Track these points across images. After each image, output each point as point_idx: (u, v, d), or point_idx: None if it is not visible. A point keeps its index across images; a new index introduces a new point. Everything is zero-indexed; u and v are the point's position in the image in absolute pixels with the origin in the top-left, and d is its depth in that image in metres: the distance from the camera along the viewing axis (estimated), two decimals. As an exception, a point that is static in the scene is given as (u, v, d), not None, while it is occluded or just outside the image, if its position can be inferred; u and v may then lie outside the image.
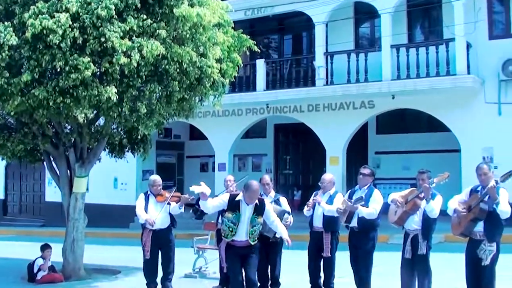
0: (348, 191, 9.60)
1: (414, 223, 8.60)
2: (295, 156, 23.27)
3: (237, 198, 7.93)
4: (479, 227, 7.72)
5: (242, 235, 7.97)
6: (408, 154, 20.73)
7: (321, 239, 9.67)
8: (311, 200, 9.82)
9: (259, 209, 8.08)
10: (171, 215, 10.44)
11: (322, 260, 9.68)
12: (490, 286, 7.69)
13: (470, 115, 17.69)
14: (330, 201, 9.70)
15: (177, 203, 10.31)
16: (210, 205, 8.05)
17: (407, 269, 8.76)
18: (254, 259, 8.05)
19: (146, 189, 10.61)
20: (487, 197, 7.62)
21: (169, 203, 10.32)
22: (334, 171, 19.49)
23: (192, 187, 8.02)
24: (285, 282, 10.14)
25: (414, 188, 8.77)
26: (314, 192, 10.01)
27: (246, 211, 7.97)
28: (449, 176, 8.43)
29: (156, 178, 10.59)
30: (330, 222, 9.63)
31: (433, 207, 8.34)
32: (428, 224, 8.54)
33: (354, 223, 9.12)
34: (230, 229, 7.91)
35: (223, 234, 7.99)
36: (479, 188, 7.86)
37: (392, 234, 16.39)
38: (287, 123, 22.00)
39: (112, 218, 22.26)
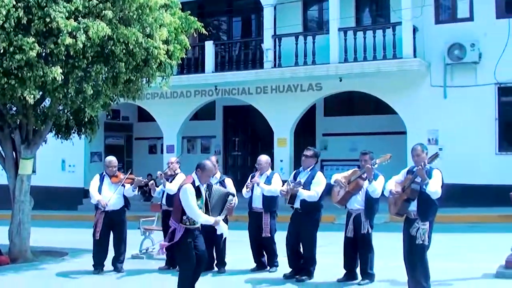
0: (293, 173, 9.78)
1: (356, 202, 8.89)
2: (244, 138, 23.49)
3: (196, 184, 7.91)
4: (413, 206, 7.97)
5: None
6: (355, 136, 20.97)
7: (261, 219, 9.91)
8: (249, 181, 10.01)
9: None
10: (125, 197, 10.53)
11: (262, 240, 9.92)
12: (422, 263, 7.94)
13: (416, 98, 18.05)
14: (268, 181, 9.92)
15: (131, 185, 10.42)
16: (205, 219, 7.89)
17: (349, 248, 9.07)
18: (201, 236, 8.17)
19: (95, 171, 10.69)
20: (418, 178, 7.90)
21: (123, 185, 10.40)
22: (282, 152, 19.92)
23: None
24: (230, 260, 10.33)
25: (357, 169, 9.04)
26: (251, 174, 10.20)
27: (203, 192, 8.01)
28: (391, 157, 8.72)
29: (112, 159, 10.66)
30: (269, 203, 9.88)
31: (376, 187, 8.65)
32: (370, 204, 8.85)
33: (297, 204, 9.29)
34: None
35: (188, 223, 7.84)
36: (415, 169, 8.11)
37: (339, 215, 16.71)
38: (235, 105, 22.07)
39: (60, 200, 22.13)
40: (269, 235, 9.89)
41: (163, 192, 10.65)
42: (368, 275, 8.93)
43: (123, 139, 24.93)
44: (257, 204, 9.97)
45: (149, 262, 11.36)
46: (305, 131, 20.88)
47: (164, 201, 10.61)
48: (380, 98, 18.76)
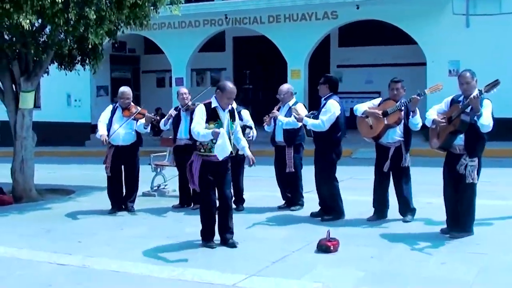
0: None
1: (396, 135, 8.06)
2: (256, 70, 22.44)
3: (212, 106, 7.12)
4: (460, 140, 7.11)
5: None
6: (371, 67, 20.32)
7: (285, 154, 9.16)
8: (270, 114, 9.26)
9: (233, 114, 7.38)
10: (138, 133, 9.75)
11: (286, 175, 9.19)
12: (471, 203, 7.15)
13: (437, 27, 17.08)
14: (290, 113, 9.04)
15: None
16: (204, 132, 7.03)
17: (383, 184, 8.27)
18: (229, 175, 7.39)
19: (102, 106, 9.89)
20: (469, 108, 6.99)
21: (135, 119, 9.58)
22: (296, 84, 18.77)
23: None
24: (248, 197, 9.69)
25: (391, 100, 8.09)
26: (278, 105, 9.40)
27: (224, 117, 7.19)
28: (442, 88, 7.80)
29: (125, 89, 9.83)
30: (290, 136, 9.11)
31: (420, 120, 7.90)
32: (410, 135, 8.11)
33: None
34: (214, 140, 7.08)
35: (202, 149, 7.09)
36: (461, 98, 7.20)
37: (356, 148, 16.05)
38: (246, 35, 21.07)
39: (66, 136, 21.51)
40: (293, 170, 9.09)
41: (174, 126, 9.81)
42: (411, 211, 8.22)
43: (129, 72, 24.08)
44: (280, 137, 9.19)
45: (161, 200, 10.64)
46: (318, 63, 19.87)
47: (185, 135, 9.67)
48: (398, 27, 17.77)
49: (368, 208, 8.76)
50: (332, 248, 6.81)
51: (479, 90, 6.96)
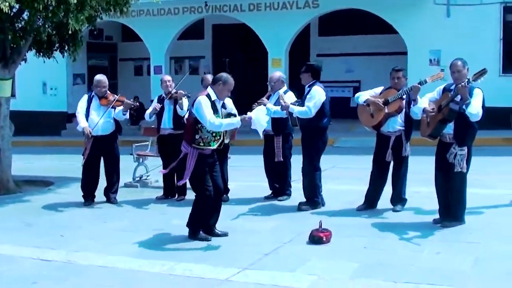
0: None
1: (397, 124, 7.93)
2: (235, 58, 22.15)
3: (212, 99, 6.92)
4: (450, 129, 7.02)
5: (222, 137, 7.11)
6: (352, 56, 20.20)
7: (273, 143, 9.02)
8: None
9: (224, 104, 7.26)
10: (116, 121, 9.49)
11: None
12: (461, 193, 7.07)
13: (418, 16, 17.01)
14: (279, 101, 8.89)
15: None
16: (228, 121, 6.90)
17: (382, 173, 8.14)
18: (218, 166, 7.24)
19: (78, 94, 9.58)
20: (458, 96, 6.88)
21: (113, 107, 9.32)
22: (276, 74, 18.80)
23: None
24: (233, 188, 9.53)
25: (392, 89, 7.95)
26: (268, 93, 9.24)
27: (220, 110, 7.04)
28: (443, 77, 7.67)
29: (101, 78, 9.54)
30: (278, 125, 8.94)
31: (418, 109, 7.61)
32: (411, 124, 7.96)
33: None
34: (214, 134, 6.91)
35: (202, 143, 6.87)
36: (452, 87, 7.10)
37: (338, 137, 15.98)
38: (226, 23, 20.80)
39: (42, 125, 21.01)
40: (281, 159, 8.95)
41: (157, 115, 9.57)
42: (402, 201, 8.13)
43: (107, 60, 23.62)
44: (268, 126, 8.96)
45: (144, 191, 10.41)
46: (299, 52, 19.68)
47: (169, 124, 9.49)
48: (379, 16, 17.59)
49: (356, 197, 8.67)
50: (324, 239, 6.68)
51: (467, 79, 6.88)
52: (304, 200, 8.46)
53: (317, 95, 8.11)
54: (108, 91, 9.46)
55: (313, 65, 8.53)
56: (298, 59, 19.43)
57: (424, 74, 8.19)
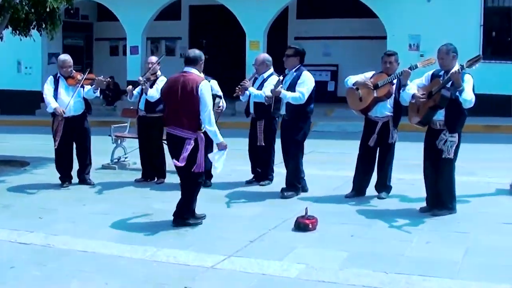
0: (280, 77, 8.40)
1: (385, 109, 7.71)
2: (213, 40, 21.78)
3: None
4: (440, 115, 6.85)
5: None
6: (329, 40, 19.97)
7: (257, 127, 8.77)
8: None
9: None
10: (85, 100, 9.15)
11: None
12: (450, 180, 6.94)
13: (398, 0, 16.74)
14: (262, 84, 8.69)
15: (91, 86, 8.98)
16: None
17: (367, 160, 7.94)
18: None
19: (54, 73, 9.21)
20: (449, 83, 6.72)
21: (82, 86, 9.00)
22: (254, 56, 18.31)
23: None
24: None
25: (383, 73, 7.73)
26: (252, 75, 9.02)
27: None
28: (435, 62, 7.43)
29: (66, 58, 9.17)
30: (260, 109, 8.68)
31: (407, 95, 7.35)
32: (400, 110, 7.72)
33: (283, 110, 8.10)
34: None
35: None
36: (441, 73, 6.93)
37: (316, 122, 15.77)
38: (204, 4, 20.49)
39: (16, 104, 20.49)
40: (263, 144, 8.72)
41: (139, 96, 9.30)
42: (387, 188, 7.96)
43: (82, 39, 23.06)
44: (252, 109, 8.76)
45: (122, 173, 10.14)
46: (276, 34, 19.36)
47: (141, 107, 9.23)
48: (359, -1, 17.33)
49: (340, 183, 8.53)
50: (310, 226, 6.49)
51: (460, 65, 6.72)
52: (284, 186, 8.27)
53: (309, 81, 7.91)
54: (74, 71, 9.12)
55: (301, 50, 8.23)
56: (276, 42, 19.21)
57: (403, 59, 8.01)
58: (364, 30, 18.82)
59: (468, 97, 6.60)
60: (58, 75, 9.09)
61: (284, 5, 18.51)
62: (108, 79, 9.22)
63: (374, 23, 17.62)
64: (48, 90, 9.01)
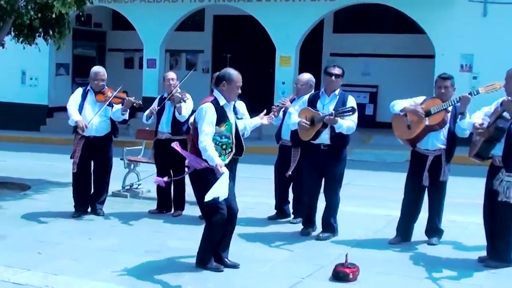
0: (306, 97, 8.09)
1: (437, 141, 7.34)
2: (238, 54, 21.68)
3: (220, 104, 6.43)
4: (499, 150, 6.49)
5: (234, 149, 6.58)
6: (369, 57, 19.81)
7: (289, 154, 8.49)
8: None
9: (234, 109, 6.84)
10: (112, 121, 9.02)
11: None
12: (506, 227, 6.55)
13: (450, 15, 16.51)
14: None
15: (121, 105, 8.85)
16: (213, 154, 6.27)
17: (416, 200, 7.58)
18: (233, 184, 6.77)
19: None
20: (506, 112, 6.39)
21: (110, 105, 8.84)
22: (284, 73, 18.49)
23: None
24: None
25: (437, 99, 7.37)
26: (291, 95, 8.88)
27: (231, 114, 6.57)
28: (500, 88, 7.06)
29: (99, 70, 9.11)
30: (297, 135, 8.33)
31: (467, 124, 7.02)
32: (454, 143, 7.38)
33: (324, 139, 7.69)
34: (224, 146, 6.43)
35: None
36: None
37: (351, 149, 15.42)
38: (230, 14, 20.36)
39: (19, 119, 20.50)
40: (290, 174, 8.41)
41: (157, 116, 9.13)
42: (439, 232, 7.62)
43: (94, 49, 23.18)
44: (287, 135, 8.49)
45: (134, 202, 9.94)
46: (310, 50, 19.29)
47: (166, 128, 9.04)
48: (404, 12, 17.14)
49: (382, 224, 8.24)
50: (351, 276, 6.16)
51: None
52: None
53: (355, 106, 7.61)
54: (106, 86, 8.98)
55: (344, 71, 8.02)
56: (310, 58, 19.07)
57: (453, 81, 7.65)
58: (408, 48, 18.65)
59: None
60: (88, 88, 8.98)
61: (319, 18, 18.37)
62: (139, 101, 9.05)
63: (420, 39, 17.45)
64: (73, 102, 8.89)
